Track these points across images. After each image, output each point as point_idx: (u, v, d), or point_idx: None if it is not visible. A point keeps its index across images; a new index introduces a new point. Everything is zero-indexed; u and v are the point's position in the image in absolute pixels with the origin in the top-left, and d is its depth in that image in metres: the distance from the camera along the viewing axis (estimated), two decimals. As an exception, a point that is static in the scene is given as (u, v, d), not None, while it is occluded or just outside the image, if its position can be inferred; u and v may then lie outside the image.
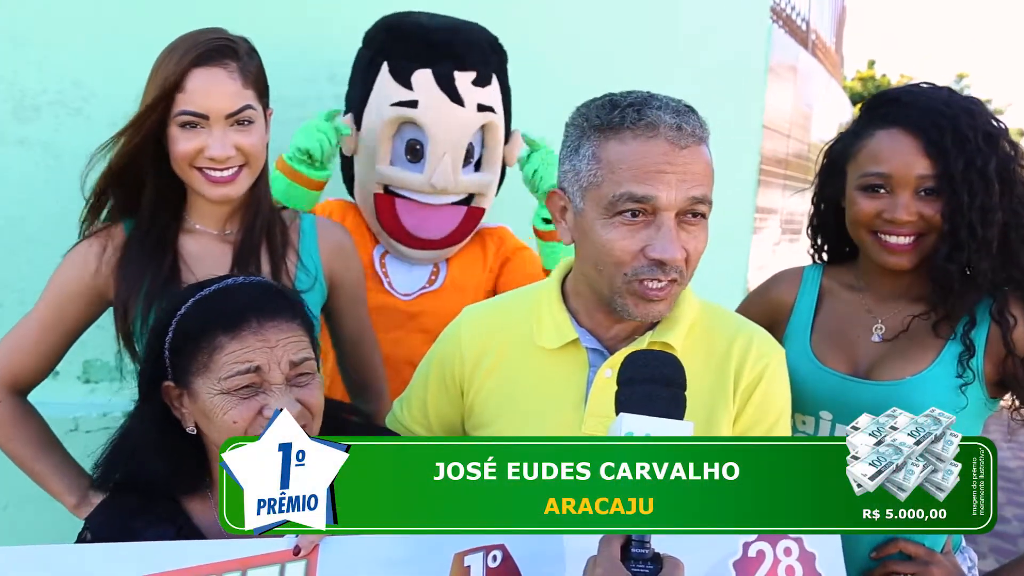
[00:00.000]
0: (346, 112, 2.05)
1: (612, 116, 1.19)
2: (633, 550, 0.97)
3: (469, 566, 1.15)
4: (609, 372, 1.27)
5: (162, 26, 1.59)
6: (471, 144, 1.97)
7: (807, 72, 5.19)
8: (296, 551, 1.12)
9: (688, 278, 1.24)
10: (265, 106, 1.59)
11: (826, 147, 1.65)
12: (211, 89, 1.47)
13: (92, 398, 2.11)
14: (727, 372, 1.30)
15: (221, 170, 1.51)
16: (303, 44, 2.34)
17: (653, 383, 1.01)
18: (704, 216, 1.21)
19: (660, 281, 1.19)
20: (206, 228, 1.60)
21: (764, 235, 4.60)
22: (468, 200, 2.01)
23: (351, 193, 2.11)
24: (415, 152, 1.94)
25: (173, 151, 1.50)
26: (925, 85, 1.53)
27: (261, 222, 1.61)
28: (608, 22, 2.88)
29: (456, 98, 1.91)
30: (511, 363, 1.35)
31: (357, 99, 2.02)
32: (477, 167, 2.02)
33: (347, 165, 2.08)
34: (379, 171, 1.97)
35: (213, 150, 1.48)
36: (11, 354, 1.56)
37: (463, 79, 1.92)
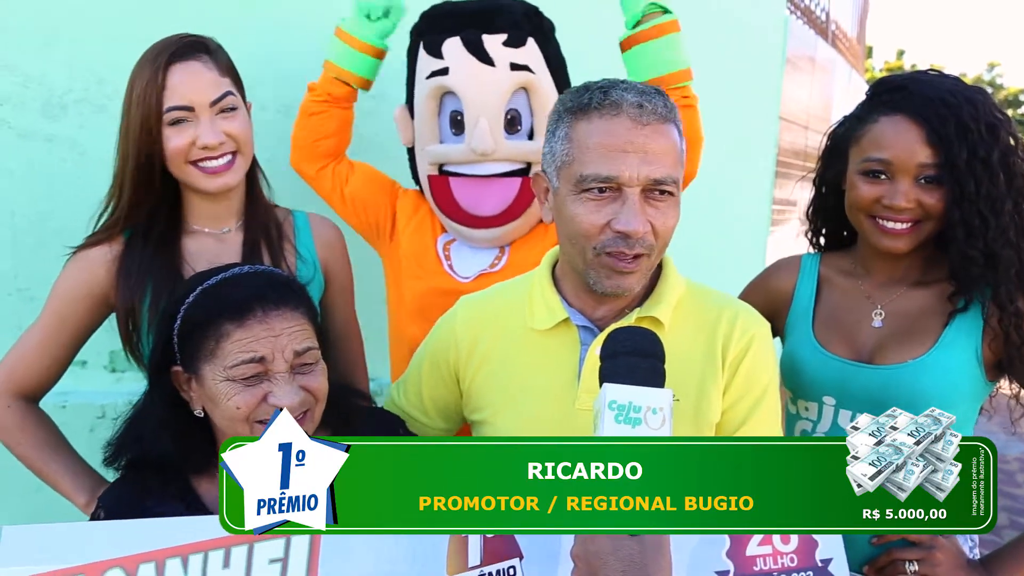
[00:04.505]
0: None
1: (582, 98, 1.26)
2: None
3: (466, 535, 1.19)
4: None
5: (182, 26, 1.63)
6: (515, 110, 1.93)
7: (827, 63, 5.16)
8: None
9: (659, 253, 1.28)
10: (244, 97, 1.62)
11: (830, 130, 1.67)
12: (191, 80, 1.51)
13: (119, 387, 2.17)
14: (715, 345, 1.34)
15: (216, 159, 1.54)
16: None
17: (633, 355, 1.06)
18: (672, 194, 1.25)
19: (626, 254, 1.24)
20: (204, 228, 1.63)
21: (785, 227, 4.60)
22: (526, 172, 1.97)
23: (419, 185, 2.10)
24: (458, 124, 1.93)
25: (168, 149, 1.53)
26: (932, 73, 1.54)
27: (259, 219, 1.65)
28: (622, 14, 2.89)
29: (485, 58, 1.89)
30: (506, 347, 1.40)
31: (409, 89, 2.03)
32: (531, 137, 1.98)
33: (412, 158, 2.08)
34: (428, 151, 1.97)
35: (204, 138, 1.51)
36: (17, 362, 1.60)
37: (492, 41, 1.90)
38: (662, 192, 1.24)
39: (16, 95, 2.12)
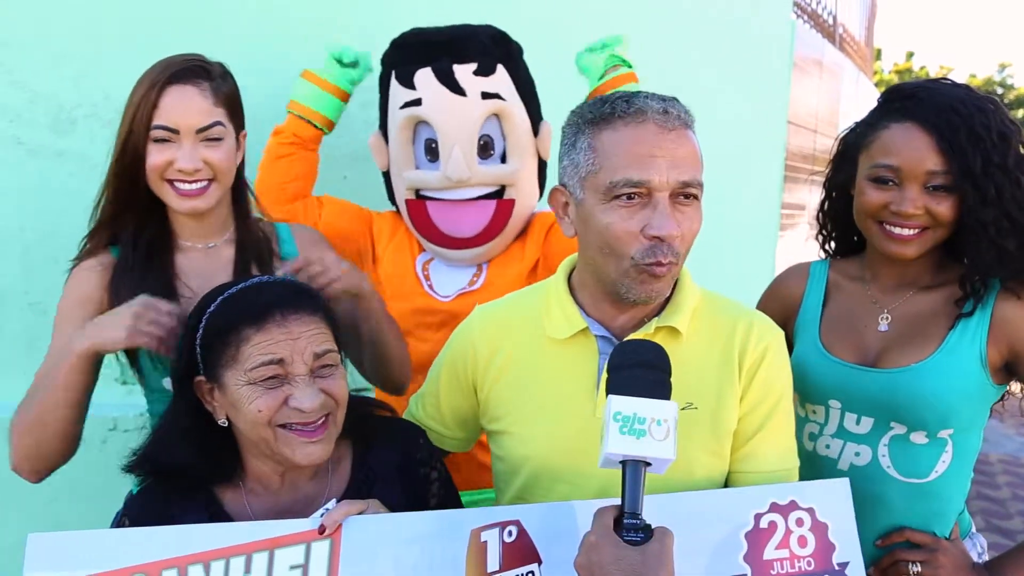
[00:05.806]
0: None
1: (603, 109, 1.27)
2: (625, 521, 1.03)
3: (486, 541, 1.19)
4: None
5: (189, 44, 1.65)
6: (488, 135, 1.99)
7: (834, 67, 5.14)
8: (321, 530, 1.17)
9: (684, 257, 1.30)
10: (238, 127, 1.64)
11: (841, 135, 1.67)
12: (182, 105, 1.54)
13: (130, 399, 2.17)
14: (731, 353, 1.35)
15: (190, 183, 1.57)
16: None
17: (639, 367, 1.08)
18: (696, 198, 1.27)
19: (662, 261, 1.24)
20: (192, 243, 1.66)
21: (793, 232, 4.58)
22: (500, 194, 2.02)
23: (396, 206, 2.15)
24: (433, 151, 1.98)
25: (147, 164, 1.56)
26: (945, 82, 1.54)
27: (248, 235, 1.68)
28: (630, 19, 2.89)
29: (457, 89, 1.94)
30: (524, 357, 1.39)
31: (382, 116, 2.07)
32: (504, 160, 2.02)
33: (388, 181, 2.13)
34: (405, 177, 2.02)
35: (182, 162, 1.54)
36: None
37: (463, 71, 1.94)
38: (687, 196, 1.25)
39: (26, 111, 2.15)
